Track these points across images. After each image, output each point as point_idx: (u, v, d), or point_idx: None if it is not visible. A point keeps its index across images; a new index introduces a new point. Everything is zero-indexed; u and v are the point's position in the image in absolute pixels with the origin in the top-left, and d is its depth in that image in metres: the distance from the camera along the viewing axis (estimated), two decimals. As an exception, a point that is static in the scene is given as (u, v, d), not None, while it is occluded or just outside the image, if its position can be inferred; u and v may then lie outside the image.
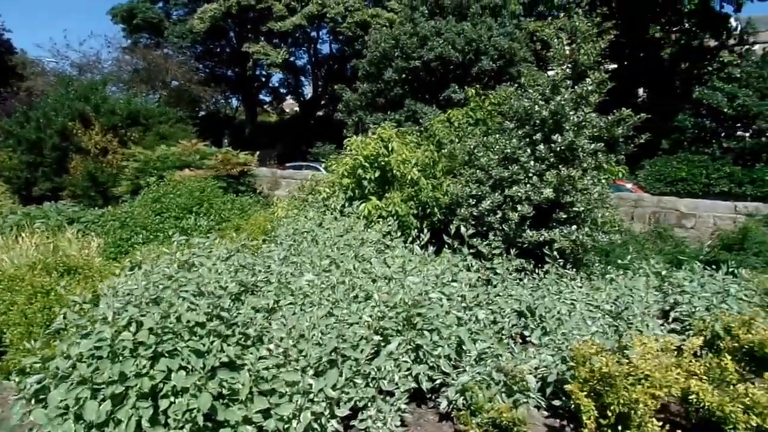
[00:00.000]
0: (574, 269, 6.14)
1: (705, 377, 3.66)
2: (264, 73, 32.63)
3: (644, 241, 7.43)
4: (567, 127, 5.77)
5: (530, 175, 6.04)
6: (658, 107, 27.45)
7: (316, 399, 3.16)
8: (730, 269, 6.37)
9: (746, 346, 3.97)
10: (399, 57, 14.49)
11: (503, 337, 4.18)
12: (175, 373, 2.91)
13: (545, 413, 3.75)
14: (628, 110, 6.14)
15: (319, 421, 3.14)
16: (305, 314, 3.75)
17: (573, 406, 3.37)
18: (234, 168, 9.99)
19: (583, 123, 5.87)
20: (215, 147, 12.86)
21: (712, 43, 26.53)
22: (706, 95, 24.45)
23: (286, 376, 3.15)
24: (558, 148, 5.88)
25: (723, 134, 25.25)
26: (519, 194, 5.95)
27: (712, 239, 7.53)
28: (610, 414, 3.26)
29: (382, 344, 3.63)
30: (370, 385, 3.40)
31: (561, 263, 5.71)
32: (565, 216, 5.93)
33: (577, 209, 5.98)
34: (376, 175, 6.19)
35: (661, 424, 3.30)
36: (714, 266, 6.71)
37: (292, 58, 32.42)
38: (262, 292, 4.17)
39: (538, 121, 6.14)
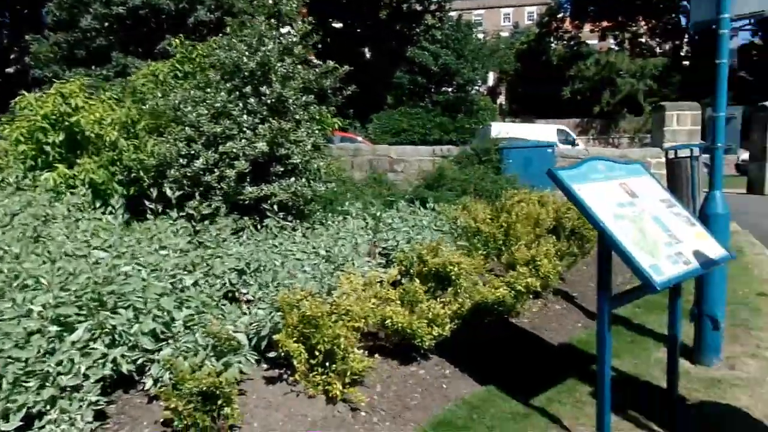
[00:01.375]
0: (298, 220, 6.26)
1: (400, 302, 4.09)
2: None
3: (363, 187, 8.04)
4: (274, 79, 5.71)
5: (244, 129, 5.85)
6: (381, 65, 29.91)
7: (-34, 419, 2.53)
8: (430, 204, 7.32)
9: (434, 269, 4.56)
10: (98, 1, 12.52)
11: (216, 299, 4.00)
12: None
13: (265, 366, 3.74)
14: (334, 62, 6.38)
15: (-24, 445, 2.53)
16: (-49, 317, 2.96)
17: (284, 354, 3.41)
18: None
19: (291, 75, 5.88)
20: None
21: (419, 7, 29.85)
22: (417, 54, 27.53)
23: None
24: (268, 101, 5.79)
25: (433, 89, 28.99)
26: (234, 150, 5.72)
27: (418, 180, 8.56)
28: (318, 354, 3.39)
29: (65, 334, 3.10)
30: (49, 384, 2.87)
31: (282, 216, 5.74)
32: (282, 169, 5.95)
33: (294, 161, 6.04)
34: (61, 138, 5.22)
35: (362, 351, 3.57)
36: (419, 203, 7.62)
37: (-42, -1, 25.52)
38: None
39: (247, 74, 5.93)
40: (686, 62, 31.26)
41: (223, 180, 5.79)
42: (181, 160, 5.60)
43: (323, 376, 3.39)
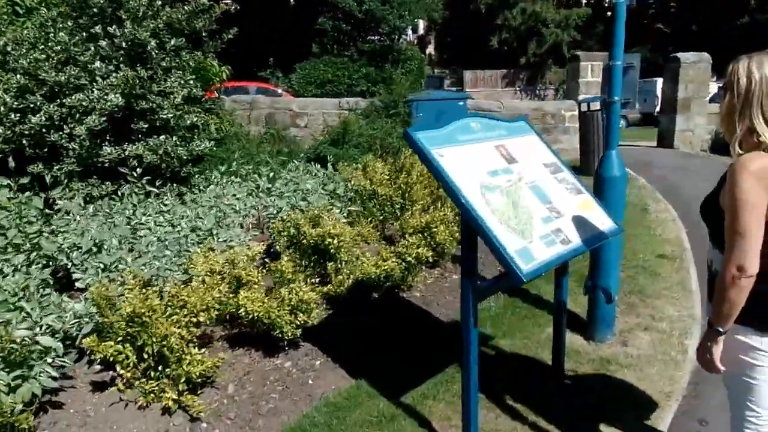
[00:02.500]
0: (175, 184, 5.50)
1: (272, 282, 3.53)
2: None
3: (260, 143, 7.27)
4: (125, 17, 4.78)
5: (97, 78, 4.93)
6: (304, 10, 28.20)
7: None
8: (331, 162, 6.69)
9: (312, 242, 3.99)
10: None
11: (30, 292, 3.26)
12: None
13: (98, 367, 3.11)
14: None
15: None
16: None
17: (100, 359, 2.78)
18: None
19: (148, 12, 4.96)
20: None
21: (341, -53, 27.98)
22: (339, -1, 26.00)
23: None
24: (122, 44, 4.87)
25: (358, 37, 27.69)
26: (84, 103, 4.81)
27: (323, 135, 7.87)
28: (147, 357, 2.79)
29: None
30: None
31: (147, 180, 4.99)
32: (147, 125, 5.10)
33: (164, 116, 5.20)
34: None
35: (200, 349, 2.99)
36: (321, 162, 6.97)
37: None
38: None
39: (96, 10, 4.95)
40: (609, 12, 31.53)
41: (74, 139, 4.89)
42: (12, 115, 4.63)
43: (157, 382, 2.80)
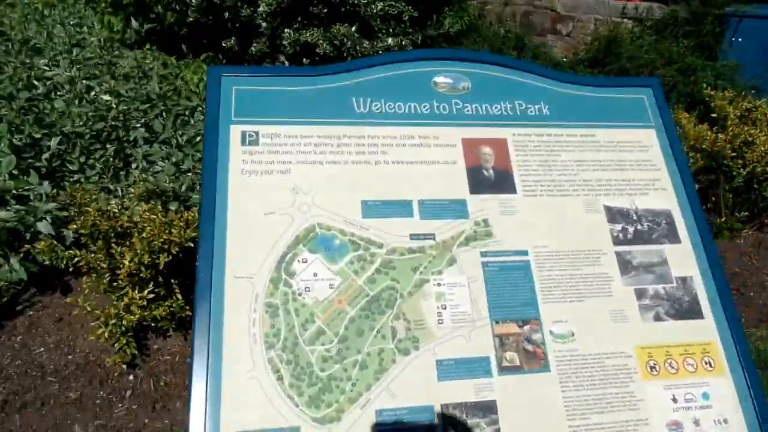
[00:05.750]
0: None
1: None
2: None
3: (497, 51, 5.89)
4: None
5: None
6: None
7: None
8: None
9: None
10: None
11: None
12: None
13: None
14: None
15: None
16: None
17: None
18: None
19: None
20: None
21: None
22: None
23: None
24: None
25: None
26: (273, -22, 4.46)
27: (585, 50, 5.94)
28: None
29: None
30: None
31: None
32: (326, 10, 4.50)
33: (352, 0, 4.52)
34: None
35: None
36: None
37: None
38: None
39: None
40: None
41: (264, 18, 4.66)
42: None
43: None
